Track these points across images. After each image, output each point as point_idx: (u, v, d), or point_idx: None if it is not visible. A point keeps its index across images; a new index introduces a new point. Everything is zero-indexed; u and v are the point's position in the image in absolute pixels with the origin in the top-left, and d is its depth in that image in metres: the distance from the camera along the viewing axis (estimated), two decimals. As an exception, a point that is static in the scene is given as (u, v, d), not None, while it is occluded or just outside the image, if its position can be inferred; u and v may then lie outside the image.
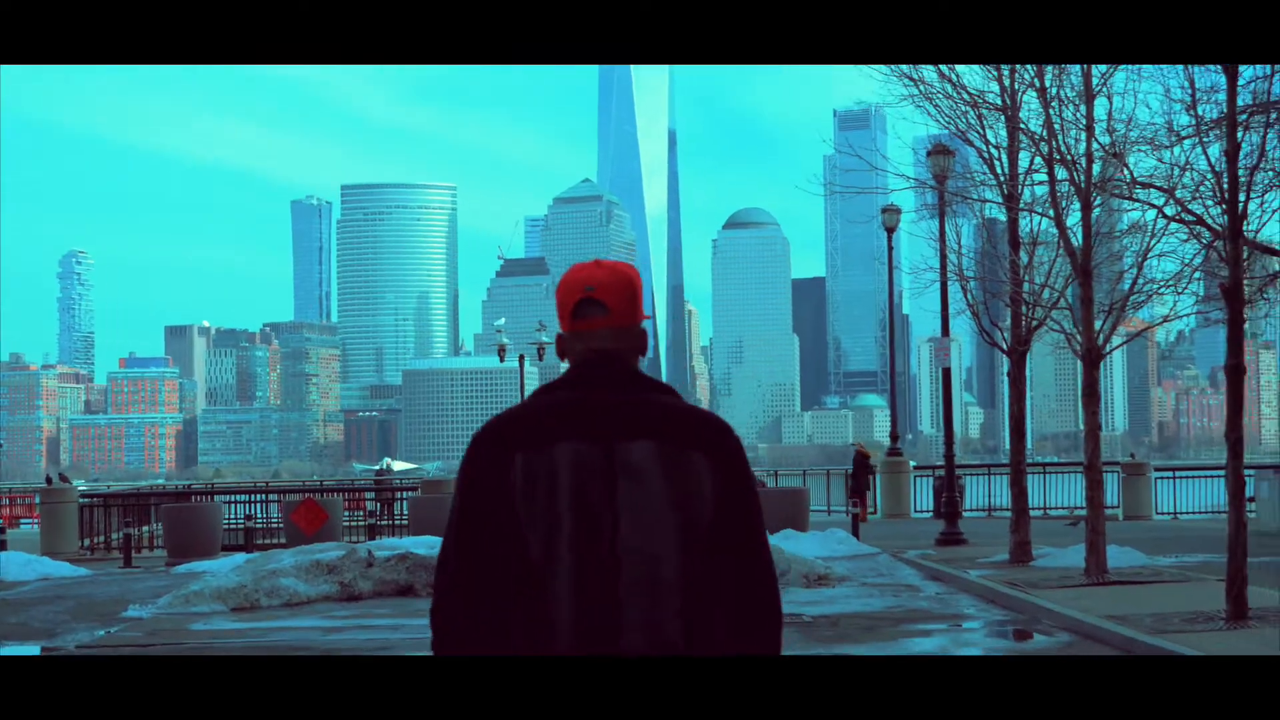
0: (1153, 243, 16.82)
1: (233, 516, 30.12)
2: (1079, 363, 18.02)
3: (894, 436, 37.85)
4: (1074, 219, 18.11)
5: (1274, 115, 13.76)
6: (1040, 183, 19.14)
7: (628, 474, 2.95)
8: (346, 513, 29.87)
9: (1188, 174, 14.46)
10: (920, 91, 19.30)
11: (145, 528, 29.59)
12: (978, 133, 19.55)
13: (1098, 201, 18.00)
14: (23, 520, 43.29)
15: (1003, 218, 20.65)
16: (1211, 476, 32.66)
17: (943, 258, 22.57)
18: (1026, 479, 21.37)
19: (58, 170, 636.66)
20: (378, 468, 59.23)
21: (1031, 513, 21.43)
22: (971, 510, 32.21)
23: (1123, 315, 17.84)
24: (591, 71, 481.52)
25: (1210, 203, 14.05)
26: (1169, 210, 15.15)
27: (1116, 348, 18.56)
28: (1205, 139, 14.14)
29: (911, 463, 38.22)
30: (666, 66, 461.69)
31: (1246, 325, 14.37)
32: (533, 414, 3.03)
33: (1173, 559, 20.33)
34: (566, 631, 2.93)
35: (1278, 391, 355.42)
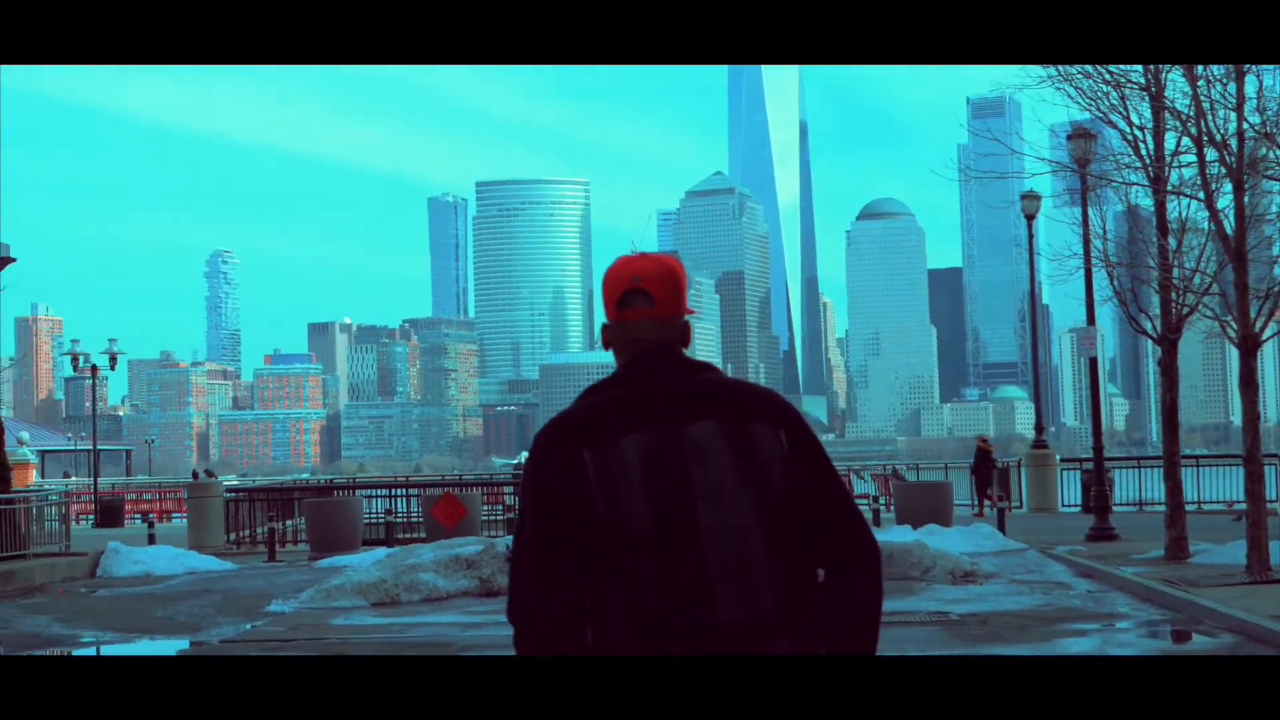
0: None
1: (373, 511, 30.48)
2: (1230, 351, 17.39)
3: (1039, 429, 37.05)
4: (1223, 201, 17.49)
5: None
6: (1188, 165, 18.49)
7: (696, 455, 3.03)
8: (485, 507, 30.04)
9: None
10: (1059, 73, 18.76)
11: (289, 521, 30.08)
12: (1120, 114, 18.94)
13: (1249, 183, 17.34)
14: (173, 514, 44.41)
15: (1147, 202, 20.00)
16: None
17: (1086, 244, 21.93)
18: (1181, 471, 20.66)
19: (201, 174, 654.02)
20: (515, 462, 59.67)
21: (1185, 507, 20.70)
22: (1121, 504, 31.35)
23: None
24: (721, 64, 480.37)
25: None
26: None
27: (1276, 334, 17.84)
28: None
29: (1057, 455, 37.39)
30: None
31: None
32: (594, 411, 3.09)
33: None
34: (663, 616, 2.99)
35: None
